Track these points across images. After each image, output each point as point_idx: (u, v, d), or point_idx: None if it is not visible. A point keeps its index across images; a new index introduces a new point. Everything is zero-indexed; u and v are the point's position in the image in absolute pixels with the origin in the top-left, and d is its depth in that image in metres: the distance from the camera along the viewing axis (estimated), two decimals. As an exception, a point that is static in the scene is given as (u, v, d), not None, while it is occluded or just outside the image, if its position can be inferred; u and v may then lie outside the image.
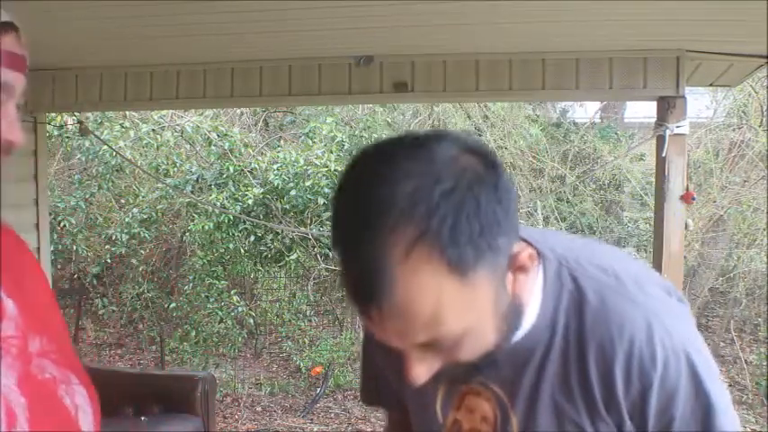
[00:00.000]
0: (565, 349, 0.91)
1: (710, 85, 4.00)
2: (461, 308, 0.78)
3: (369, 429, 6.06)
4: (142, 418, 4.07)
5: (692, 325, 0.95)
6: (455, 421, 1.01)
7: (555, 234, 1.03)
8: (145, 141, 6.40)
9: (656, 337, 0.88)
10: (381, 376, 1.12)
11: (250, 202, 6.27)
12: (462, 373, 0.96)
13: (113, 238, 6.56)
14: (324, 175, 6.33)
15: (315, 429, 6.24)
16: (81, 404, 1.07)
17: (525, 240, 0.93)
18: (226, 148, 6.56)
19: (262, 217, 6.34)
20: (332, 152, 6.43)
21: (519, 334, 0.91)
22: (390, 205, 0.75)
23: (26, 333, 1.02)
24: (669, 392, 0.89)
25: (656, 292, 0.94)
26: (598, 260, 0.94)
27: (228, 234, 6.40)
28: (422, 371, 0.84)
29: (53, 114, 5.17)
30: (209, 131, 6.61)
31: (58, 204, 6.45)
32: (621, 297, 0.90)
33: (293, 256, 6.49)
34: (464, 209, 0.75)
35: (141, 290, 6.90)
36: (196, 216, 6.59)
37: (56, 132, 6.09)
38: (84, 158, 6.74)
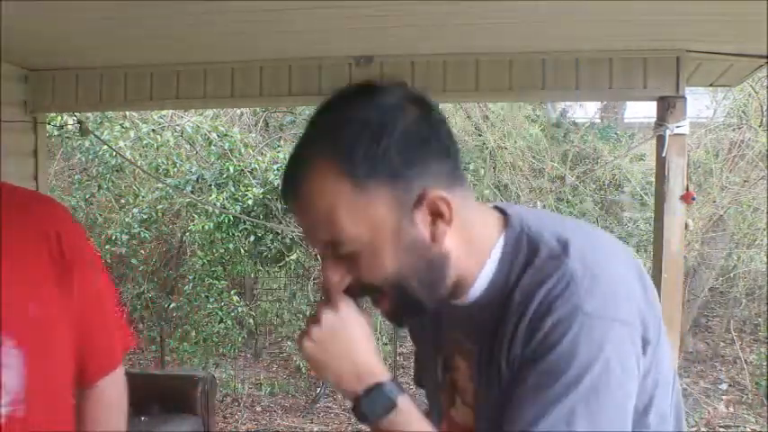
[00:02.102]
0: (514, 306, 0.94)
1: (710, 85, 4.00)
2: (354, 214, 0.90)
3: (369, 429, 6.06)
4: (142, 418, 4.07)
5: (623, 308, 0.92)
6: (451, 381, 1.09)
7: (540, 212, 1.06)
8: (145, 141, 6.40)
9: (557, 304, 0.89)
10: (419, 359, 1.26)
11: (250, 202, 6.27)
12: (445, 338, 1.08)
13: (113, 238, 6.56)
14: (324, 175, 6.32)
15: (315, 429, 6.24)
16: (7, 363, 1.28)
17: (500, 209, 1.03)
18: (226, 148, 6.56)
19: (262, 217, 6.34)
20: (332, 152, 6.42)
21: (475, 293, 0.99)
22: (315, 131, 0.95)
23: None
24: (541, 353, 0.89)
25: (603, 271, 0.93)
26: (562, 233, 0.97)
27: (228, 234, 6.40)
28: (333, 274, 0.96)
29: (53, 114, 5.16)
30: (209, 131, 6.61)
31: (58, 204, 6.44)
32: (556, 262, 0.93)
33: (293, 256, 6.49)
34: (372, 136, 0.89)
35: (141, 290, 6.91)
36: (196, 216, 6.59)
37: (56, 132, 6.08)
38: (84, 158, 6.74)
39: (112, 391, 1.52)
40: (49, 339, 1.36)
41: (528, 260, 0.96)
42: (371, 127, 0.90)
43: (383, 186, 0.90)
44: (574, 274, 0.91)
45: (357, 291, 0.99)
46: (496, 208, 1.04)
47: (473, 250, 0.98)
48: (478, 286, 0.99)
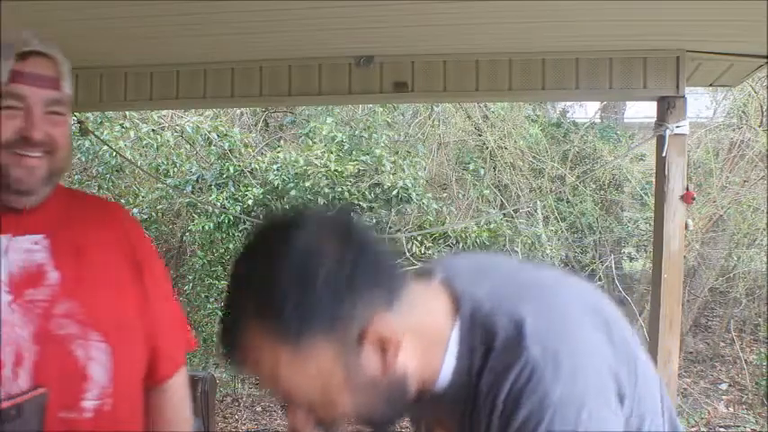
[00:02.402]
0: (482, 399, 0.93)
1: (710, 85, 4.00)
2: (298, 372, 0.88)
3: (369, 430, 6.05)
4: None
5: (592, 381, 0.90)
6: None
7: (491, 277, 1.01)
8: (145, 141, 6.40)
9: (524, 394, 0.88)
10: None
11: (250, 202, 6.27)
12: (424, 414, 1.07)
13: (113, 238, 6.55)
14: (324, 175, 6.33)
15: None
16: (96, 357, 1.33)
17: (451, 286, 0.98)
18: (226, 148, 6.56)
19: (262, 217, 6.33)
20: (332, 152, 6.43)
21: (441, 385, 0.97)
22: (242, 283, 0.92)
23: (56, 298, 1.31)
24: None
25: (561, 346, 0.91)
26: (516, 310, 0.94)
27: (228, 234, 6.40)
28: (297, 423, 0.94)
29: None
30: (210, 131, 6.61)
31: (58, 204, 6.45)
32: (515, 350, 0.91)
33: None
34: (296, 291, 0.86)
35: (141, 290, 6.90)
36: (196, 216, 6.59)
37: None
38: (84, 158, 6.74)
39: (179, 391, 1.56)
40: (130, 338, 1.40)
41: (487, 347, 0.93)
42: (293, 282, 0.86)
43: (320, 338, 0.87)
44: (535, 362, 0.88)
45: (327, 424, 0.96)
46: (444, 282, 1.00)
47: (430, 350, 0.96)
48: (443, 379, 0.97)
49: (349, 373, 0.90)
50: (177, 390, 1.55)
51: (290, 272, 0.87)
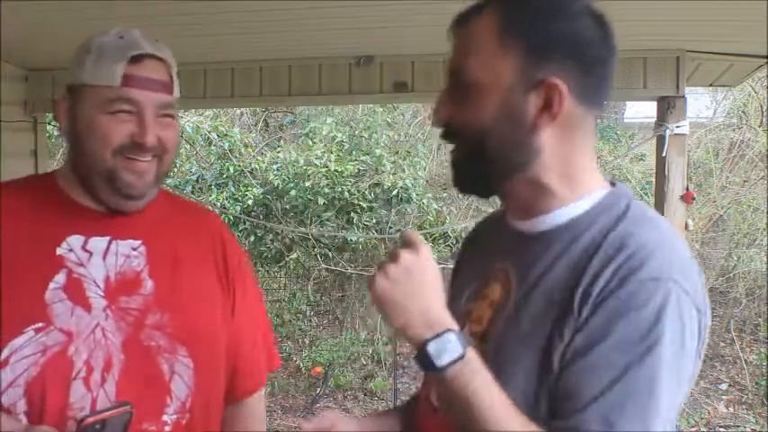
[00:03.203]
0: (583, 252, 0.95)
1: (710, 85, 4.00)
2: (484, 56, 0.98)
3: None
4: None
5: (699, 295, 0.95)
6: (467, 311, 1.09)
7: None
8: (145, 141, 6.40)
9: (652, 260, 0.90)
10: None
11: (250, 202, 6.27)
12: (490, 262, 1.08)
13: (113, 238, 6.55)
14: (324, 175, 6.33)
15: (315, 429, 6.23)
16: (179, 371, 1.31)
17: (611, 182, 1.04)
18: (226, 148, 6.56)
19: (262, 217, 6.34)
20: (332, 152, 6.43)
21: (553, 220, 1.00)
22: None
23: (149, 308, 1.30)
24: (623, 311, 0.88)
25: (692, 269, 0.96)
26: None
27: (228, 234, 6.40)
28: (442, 109, 1.04)
29: (53, 114, 5.16)
30: (210, 132, 6.61)
31: (58, 204, 6.44)
32: (654, 231, 0.96)
33: (293, 256, 6.49)
34: (537, 9, 0.98)
35: (141, 290, 6.90)
36: (196, 216, 6.58)
37: (56, 132, 6.08)
38: (84, 158, 6.74)
39: (255, 409, 1.53)
40: (214, 354, 1.38)
41: (621, 215, 0.97)
42: (544, 6, 0.98)
43: (518, 51, 0.96)
44: (666, 243, 0.93)
45: (448, 133, 1.03)
46: None
47: (571, 176, 1.00)
48: (560, 216, 1.00)
49: (511, 93, 0.96)
50: (254, 408, 1.52)
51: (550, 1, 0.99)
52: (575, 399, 0.89)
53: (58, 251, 1.28)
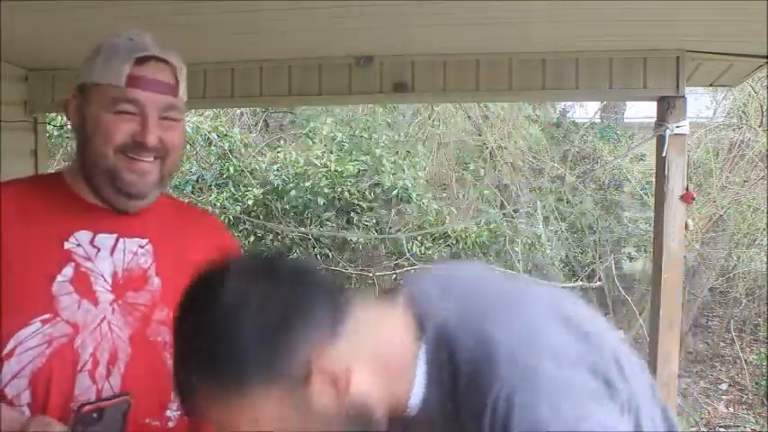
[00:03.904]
0: (451, 414, 0.92)
1: (710, 85, 4.00)
2: (253, 425, 0.86)
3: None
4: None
5: (582, 399, 0.87)
6: None
7: (453, 289, 0.99)
8: (145, 141, 6.40)
9: (512, 421, 0.85)
10: None
11: (250, 202, 6.27)
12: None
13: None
14: (324, 175, 6.33)
15: (315, 429, 6.23)
16: None
17: (416, 306, 0.96)
18: (226, 148, 6.56)
19: (262, 217, 6.34)
20: (332, 152, 6.43)
21: (414, 406, 0.95)
22: (180, 343, 0.92)
23: (156, 304, 1.32)
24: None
25: (547, 365, 0.88)
26: (482, 326, 0.92)
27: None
28: None
29: (53, 114, 5.16)
30: (210, 132, 6.61)
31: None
32: (493, 366, 0.88)
33: (293, 256, 6.48)
34: (230, 345, 0.84)
35: (141, 290, 6.90)
36: (196, 216, 6.59)
37: (56, 132, 6.08)
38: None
39: None
40: None
41: (454, 368, 0.91)
42: (222, 336, 0.85)
43: (263, 386, 0.86)
44: (512, 386, 0.86)
45: None
46: (408, 302, 0.98)
47: (395, 374, 0.94)
48: (414, 401, 0.95)
49: (303, 414, 0.88)
50: None
51: (217, 327, 0.85)
52: None
53: (66, 245, 1.29)
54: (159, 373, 1.29)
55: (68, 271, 1.28)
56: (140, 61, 1.27)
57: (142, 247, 1.35)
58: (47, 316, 1.23)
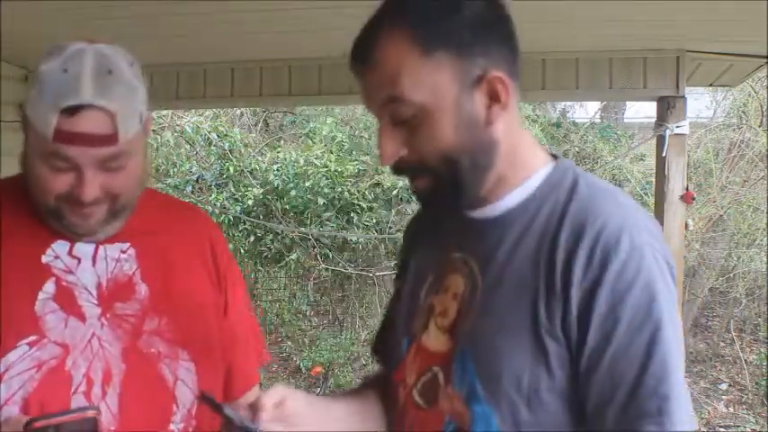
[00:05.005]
0: (544, 230, 0.95)
1: (710, 85, 4.00)
2: (418, 78, 0.93)
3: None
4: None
5: (667, 277, 0.93)
6: (430, 306, 1.06)
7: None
8: (145, 141, 6.41)
9: (625, 231, 0.90)
10: (391, 326, 1.21)
11: (250, 202, 6.27)
12: (446, 253, 1.06)
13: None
14: (324, 175, 6.33)
15: (315, 429, 6.23)
16: (183, 377, 1.26)
17: (553, 154, 1.04)
18: (226, 148, 6.57)
19: (262, 217, 6.34)
20: (332, 152, 6.44)
21: (505, 205, 1.00)
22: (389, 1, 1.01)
23: (146, 314, 1.24)
24: (620, 292, 0.88)
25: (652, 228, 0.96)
26: (604, 205, 0.97)
27: (228, 234, 6.40)
28: (388, 143, 0.96)
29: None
30: (209, 132, 6.61)
31: (58, 204, 6.45)
32: (610, 198, 0.97)
33: (293, 256, 6.49)
34: (444, 10, 0.94)
35: (141, 290, 6.90)
36: (196, 216, 6.59)
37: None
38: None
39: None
40: (212, 354, 1.33)
41: (573, 189, 0.97)
42: (444, 2, 0.95)
43: (449, 57, 0.93)
44: (629, 214, 0.94)
45: (405, 168, 0.98)
46: None
47: (516, 159, 0.99)
48: (511, 200, 0.99)
49: (459, 103, 0.94)
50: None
51: None
52: (617, 397, 0.88)
53: (44, 259, 1.20)
54: (157, 386, 1.24)
55: (50, 287, 1.19)
56: (69, 112, 1.09)
57: (124, 252, 1.26)
58: (33, 338, 1.15)
